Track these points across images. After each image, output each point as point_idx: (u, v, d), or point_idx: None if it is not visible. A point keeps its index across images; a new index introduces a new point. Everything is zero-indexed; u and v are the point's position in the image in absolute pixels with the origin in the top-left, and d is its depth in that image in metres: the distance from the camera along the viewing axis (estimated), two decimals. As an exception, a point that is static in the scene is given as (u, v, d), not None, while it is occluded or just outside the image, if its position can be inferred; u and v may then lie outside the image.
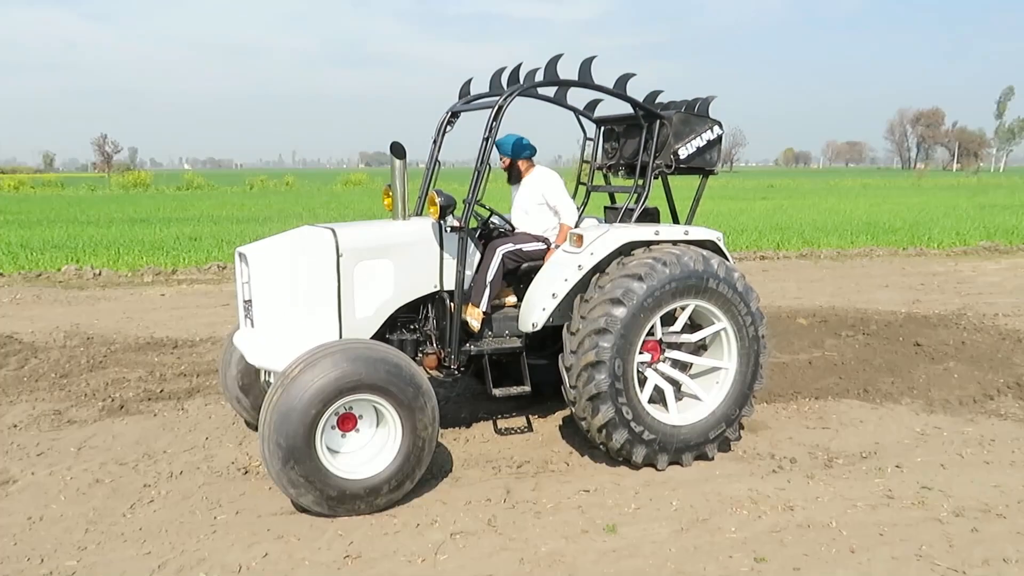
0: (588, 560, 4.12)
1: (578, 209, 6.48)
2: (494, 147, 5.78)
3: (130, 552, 4.17)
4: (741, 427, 5.77)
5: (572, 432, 5.95)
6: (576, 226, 5.86)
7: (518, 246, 5.62)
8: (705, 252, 5.30)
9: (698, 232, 5.49)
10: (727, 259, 5.47)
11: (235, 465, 5.35)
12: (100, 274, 13.77)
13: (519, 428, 6.12)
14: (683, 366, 5.66)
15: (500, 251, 5.53)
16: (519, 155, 5.89)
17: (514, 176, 5.99)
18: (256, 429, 5.86)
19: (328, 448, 4.51)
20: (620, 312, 4.97)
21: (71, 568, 4.01)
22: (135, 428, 6.08)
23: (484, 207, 5.84)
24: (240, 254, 5.10)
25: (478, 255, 5.65)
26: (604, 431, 5.10)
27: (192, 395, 6.91)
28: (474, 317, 5.43)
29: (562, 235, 5.66)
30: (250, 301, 5.05)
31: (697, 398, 5.50)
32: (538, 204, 5.83)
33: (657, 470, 5.26)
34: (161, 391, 6.98)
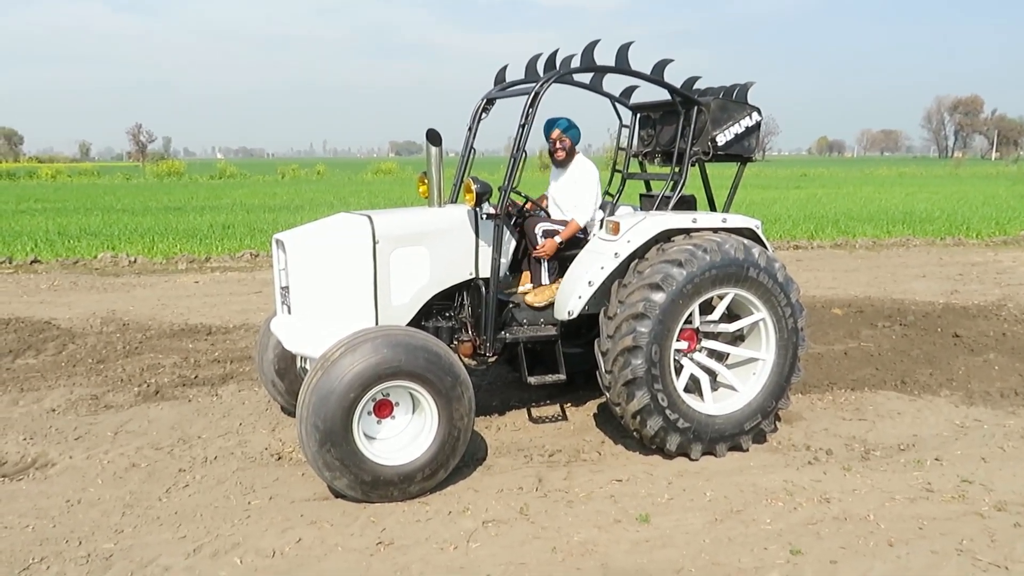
0: (621, 550, 4.09)
1: (613, 196, 6.42)
2: (542, 129, 5.73)
3: (166, 535, 4.21)
4: (777, 419, 5.69)
5: (604, 421, 5.92)
6: (611, 214, 5.81)
7: (555, 227, 5.59)
8: (746, 241, 5.22)
9: (736, 220, 5.42)
10: (766, 248, 5.40)
11: (268, 451, 5.38)
12: (135, 261, 13.95)
13: (551, 417, 6.09)
14: (719, 356, 5.59)
15: (539, 228, 5.53)
16: (576, 139, 5.83)
17: (564, 160, 5.86)
18: (290, 414, 5.91)
19: (364, 434, 4.52)
20: (659, 297, 4.92)
21: (108, 550, 4.05)
22: (170, 413, 6.14)
23: (520, 194, 5.80)
24: (277, 241, 5.11)
25: (513, 242, 5.63)
26: (638, 417, 5.05)
27: (226, 381, 6.96)
28: (545, 298, 5.49)
29: (568, 232, 5.57)
30: (287, 287, 5.06)
31: (733, 389, 5.43)
32: (571, 200, 5.78)
33: (691, 460, 5.21)
34: (195, 377, 7.05)
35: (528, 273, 5.75)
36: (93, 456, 5.27)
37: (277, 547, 4.08)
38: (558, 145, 5.81)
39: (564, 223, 5.67)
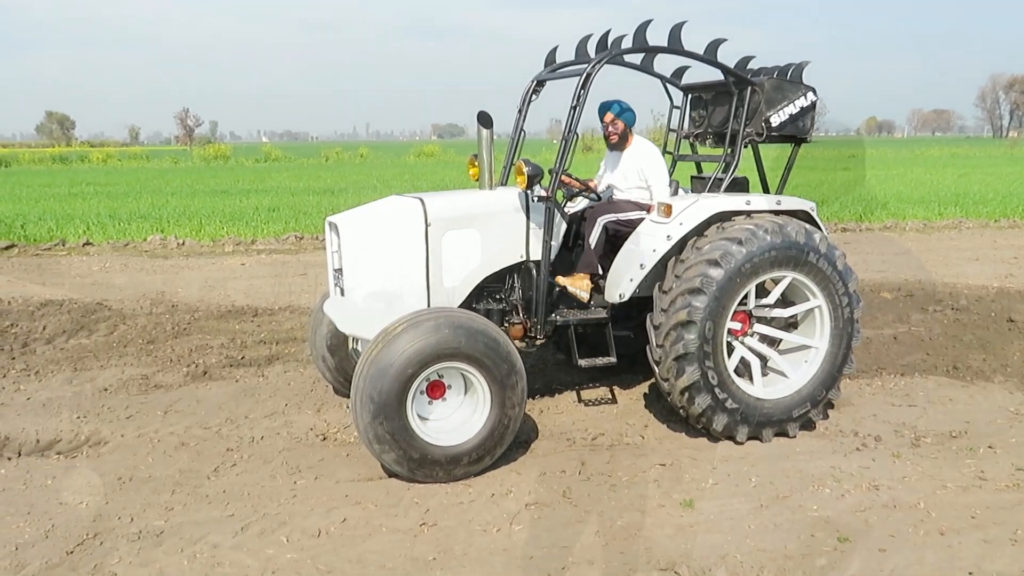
0: (665, 534, 4.07)
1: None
2: (597, 111, 5.66)
3: (214, 513, 4.29)
4: (828, 405, 5.59)
5: (648, 405, 5.88)
6: None
7: (618, 215, 5.52)
8: (808, 226, 5.15)
9: (791, 202, 5.32)
10: (822, 230, 5.30)
11: (313, 432, 5.44)
12: (183, 244, 14.16)
13: (594, 400, 6.06)
14: (771, 341, 5.51)
15: (601, 220, 5.46)
16: (631, 122, 5.71)
17: (617, 143, 5.78)
18: (338, 394, 5.97)
19: (416, 413, 4.55)
20: (716, 273, 4.85)
21: (159, 527, 4.14)
22: (218, 393, 6.24)
23: (571, 176, 5.74)
24: (331, 223, 5.15)
25: (564, 225, 5.59)
26: (687, 394, 5.00)
27: (272, 362, 7.05)
28: (582, 288, 5.41)
29: None
30: (340, 270, 5.10)
31: (784, 375, 5.36)
32: (636, 181, 5.70)
33: (736, 443, 5.16)
34: (242, 358, 7.15)
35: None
36: (144, 434, 5.37)
37: (323, 526, 4.13)
38: (611, 129, 5.71)
39: (631, 206, 5.60)
